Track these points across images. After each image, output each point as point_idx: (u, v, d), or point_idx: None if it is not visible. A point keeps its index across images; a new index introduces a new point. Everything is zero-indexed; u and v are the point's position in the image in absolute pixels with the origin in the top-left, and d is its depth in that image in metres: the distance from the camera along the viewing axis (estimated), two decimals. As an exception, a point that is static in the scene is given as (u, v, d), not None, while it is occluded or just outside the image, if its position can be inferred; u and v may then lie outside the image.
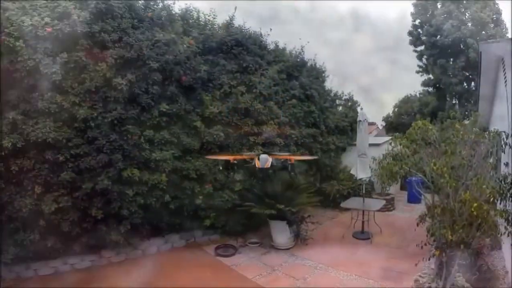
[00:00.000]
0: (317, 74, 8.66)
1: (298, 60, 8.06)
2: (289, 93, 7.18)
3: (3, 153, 4.28)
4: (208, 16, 6.76)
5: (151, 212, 5.49)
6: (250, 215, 6.09)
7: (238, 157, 4.89)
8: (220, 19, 6.93)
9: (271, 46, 7.73)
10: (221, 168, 5.86)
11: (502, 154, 4.12)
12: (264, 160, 4.66)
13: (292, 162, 4.98)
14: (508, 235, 3.21)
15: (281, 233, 5.91)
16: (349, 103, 10.19)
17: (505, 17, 17.11)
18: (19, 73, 4.43)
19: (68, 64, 4.68)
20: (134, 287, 4.65)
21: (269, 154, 4.87)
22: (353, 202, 6.68)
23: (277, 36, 7.97)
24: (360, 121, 6.79)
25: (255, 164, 4.76)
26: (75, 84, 4.75)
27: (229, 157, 5.13)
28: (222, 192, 5.90)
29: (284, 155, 5.27)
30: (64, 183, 4.60)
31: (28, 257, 4.85)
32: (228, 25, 6.86)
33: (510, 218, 3.22)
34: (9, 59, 4.36)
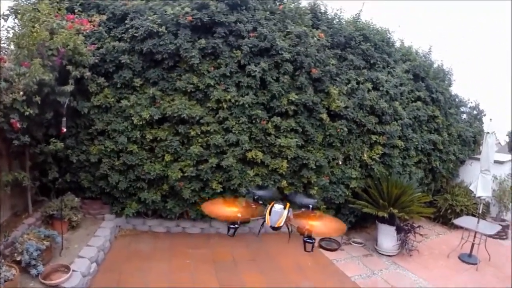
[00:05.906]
0: (444, 77, 7.94)
1: (426, 60, 7.52)
2: (415, 94, 6.70)
3: (141, 123, 5.08)
4: (337, 10, 6.65)
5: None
6: (358, 214, 6.04)
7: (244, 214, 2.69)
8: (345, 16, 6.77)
9: (397, 44, 7.35)
10: (340, 163, 5.86)
11: None
12: (277, 216, 2.72)
13: (310, 234, 2.70)
14: None
15: (387, 238, 5.71)
16: (475, 112, 9.06)
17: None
18: (160, 55, 5.12)
19: (205, 49, 5.21)
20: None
21: (285, 204, 2.87)
22: (466, 221, 6.04)
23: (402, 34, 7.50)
24: (488, 133, 6.07)
25: (265, 220, 2.95)
26: (211, 68, 5.27)
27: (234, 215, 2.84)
28: (337, 186, 5.89)
29: (304, 218, 2.92)
30: (192, 155, 5.15)
31: (146, 214, 5.75)
32: (356, 20, 6.71)
33: None
34: (152, 42, 5.05)
